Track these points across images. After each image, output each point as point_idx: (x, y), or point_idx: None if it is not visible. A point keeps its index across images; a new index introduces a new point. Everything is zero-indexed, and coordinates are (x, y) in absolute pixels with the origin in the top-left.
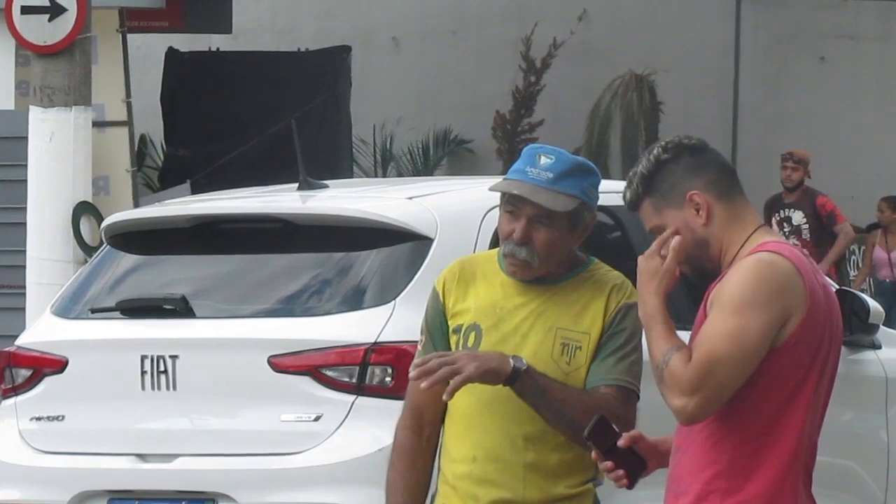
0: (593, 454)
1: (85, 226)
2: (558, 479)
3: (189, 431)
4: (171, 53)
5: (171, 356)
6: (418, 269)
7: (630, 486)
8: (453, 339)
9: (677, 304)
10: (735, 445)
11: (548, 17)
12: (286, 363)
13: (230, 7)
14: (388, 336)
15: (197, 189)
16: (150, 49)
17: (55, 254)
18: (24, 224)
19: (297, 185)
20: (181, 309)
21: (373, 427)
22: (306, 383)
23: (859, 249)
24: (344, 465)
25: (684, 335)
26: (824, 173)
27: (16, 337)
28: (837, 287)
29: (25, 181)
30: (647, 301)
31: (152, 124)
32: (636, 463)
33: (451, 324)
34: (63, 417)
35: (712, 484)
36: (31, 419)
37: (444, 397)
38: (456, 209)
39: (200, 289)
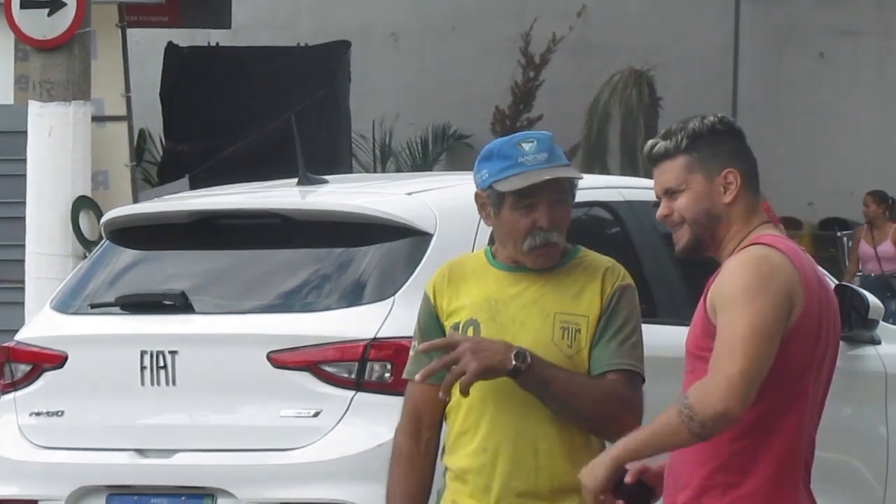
0: (602, 498)
1: (84, 220)
2: (569, 465)
3: (188, 427)
4: (171, 48)
5: (170, 351)
6: (418, 264)
7: None
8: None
9: (677, 301)
10: (733, 440)
11: (547, 12)
12: (285, 359)
13: (229, 2)
14: (388, 332)
15: (196, 184)
16: (150, 44)
17: (54, 248)
18: (23, 218)
19: (296, 180)
20: (180, 304)
21: (372, 423)
22: (305, 379)
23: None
24: (343, 460)
25: (683, 330)
26: (823, 169)
27: (15, 331)
28: (836, 283)
29: (24, 176)
30: (598, 473)
31: (151, 119)
32: (645, 495)
33: (448, 323)
34: (62, 413)
35: (712, 479)
36: (31, 414)
37: (441, 395)
38: (455, 204)
39: (200, 284)
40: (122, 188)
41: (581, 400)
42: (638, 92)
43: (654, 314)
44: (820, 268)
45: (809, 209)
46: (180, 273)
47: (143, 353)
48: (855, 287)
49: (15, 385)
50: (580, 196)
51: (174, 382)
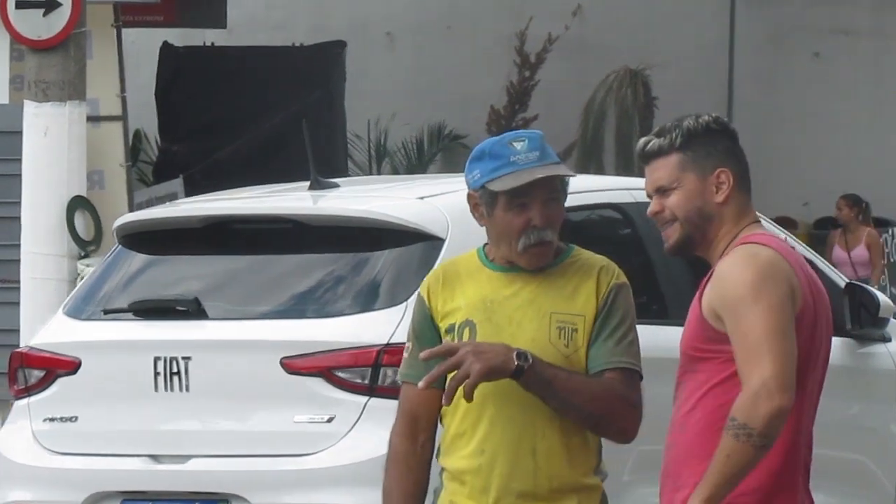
0: None
1: (79, 220)
2: (568, 464)
3: (202, 432)
4: (166, 48)
5: (183, 357)
6: (430, 269)
7: None
8: (447, 338)
9: (687, 301)
10: None
11: (542, 12)
12: (299, 364)
13: (224, 2)
14: (401, 337)
15: (190, 184)
16: (145, 44)
17: (49, 248)
18: (19, 218)
19: (307, 184)
20: (194, 310)
21: (385, 428)
22: (319, 385)
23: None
24: (357, 466)
25: (679, 331)
26: (818, 169)
27: (10, 331)
28: (847, 281)
29: (20, 176)
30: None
31: (147, 119)
32: None
33: (443, 325)
34: (76, 418)
35: None
36: (44, 420)
37: (444, 402)
38: (466, 208)
39: (213, 290)
40: (118, 188)
41: (581, 398)
42: (633, 91)
43: (664, 315)
44: (828, 265)
45: (805, 209)
46: (193, 278)
47: (156, 359)
48: (865, 285)
49: (28, 391)
50: (591, 198)
51: (188, 388)
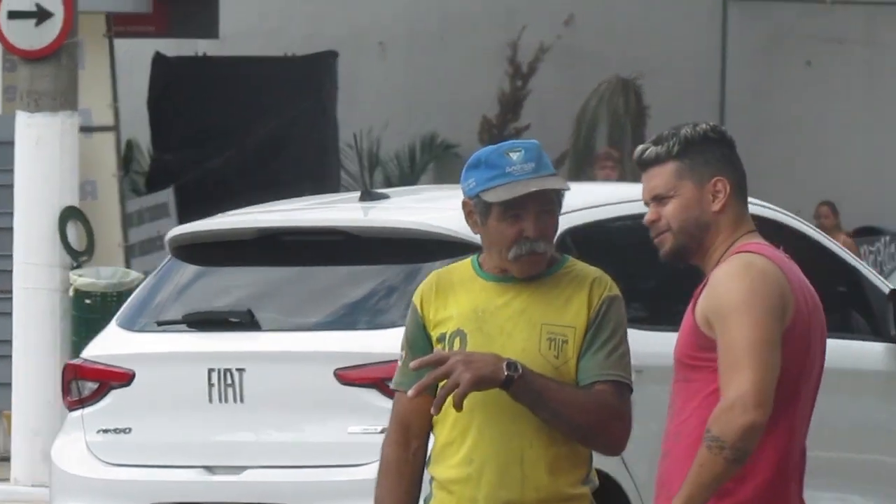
0: None
1: (71, 230)
2: (556, 474)
3: (256, 443)
4: (158, 58)
5: (237, 369)
6: None
7: None
8: (438, 347)
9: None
10: None
11: (534, 21)
12: (352, 376)
13: (217, 12)
14: None
15: (183, 193)
16: (137, 54)
17: (42, 258)
18: (11, 229)
19: (358, 195)
20: (247, 322)
21: None
22: (372, 396)
23: None
24: None
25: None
26: (811, 177)
27: (3, 342)
28: (892, 288)
29: (12, 186)
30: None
31: (139, 129)
32: None
33: (435, 334)
34: (130, 430)
35: None
36: (98, 431)
37: (433, 411)
38: None
39: (265, 301)
40: (110, 198)
41: (571, 409)
42: (625, 100)
43: None
44: (873, 272)
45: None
46: (245, 290)
47: (210, 371)
48: None
49: (82, 402)
50: (603, 213)
51: (242, 399)
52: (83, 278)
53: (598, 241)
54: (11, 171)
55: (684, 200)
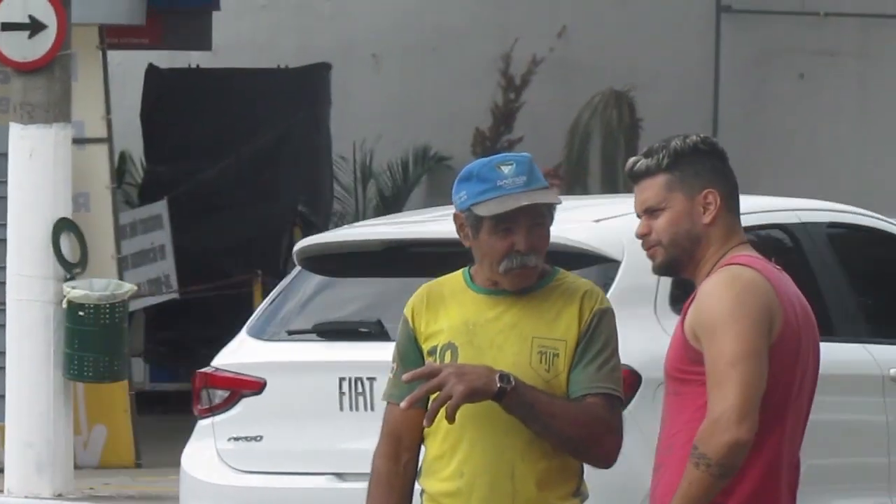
0: None
1: (65, 242)
2: (546, 488)
3: None
4: (151, 70)
5: (368, 378)
6: (606, 291)
7: None
8: (429, 360)
9: (853, 319)
10: None
11: (527, 33)
12: None
13: (210, 24)
14: None
15: (176, 205)
16: (130, 66)
17: (35, 270)
18: (4, 240)
19: None
20: (376, 332)
21: None
22: None
23: None
24: None
25: (859, 348)
26: (803, 189)
27: None
28: None
29: (5, 198)
30: None
31: (132, 141)
32: None
33: (426, 346)
34: (261, 437)
35: None
36: (229, 439)
37: (425, 423)
38: None
39: (393, 312)
40: (103, 210)
41: (563, 422)
42: (618, 113)
43: (830, 332)
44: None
45: None
46: (373, 301)
47: (341, 380)
48: None
49: (213, 410)
50: (758, 219)
51: (372, 408)
52: (76, 290)
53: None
54: (5, 182)
55: (675, 213)
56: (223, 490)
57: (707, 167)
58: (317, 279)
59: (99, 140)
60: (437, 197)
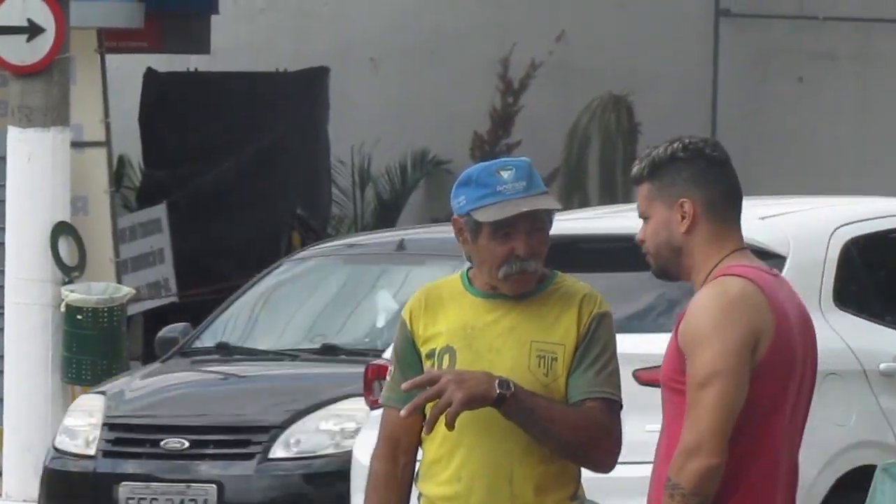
0: None
1: (63, 246)
2: (544, 493)
3: None
4: (149, 74)
5: None
6: None
7: None
8: (427, 363)
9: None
10: None
11: (526, 37)
12: (650, 376)
13: (208, 27)
14: None
15: (174, 209)
16: (129, 69)
17: (33, 273)
18: (3, 244)
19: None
20: None
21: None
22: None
23: None
24: None
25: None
26: (803, 192)
27: None
28: None
29: (3, 201)
30: None
31: (130, 145)
32: None
33: (424, 350)
34: None
35: None
36: None
37: (425, 431)
38: (806, 227)
39: None
40: (101, 214)
41: (562, 428)
42: (617, 117)
43: None
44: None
45: None
46: None
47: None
48: None
49: None
50: (884, 223)
51: None
52: (75, 294)
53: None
54: (3, 186)
55: (655, 223)
56: None
57: (684, 176)
58: None
59: (97, 144)
60: (436, 201)
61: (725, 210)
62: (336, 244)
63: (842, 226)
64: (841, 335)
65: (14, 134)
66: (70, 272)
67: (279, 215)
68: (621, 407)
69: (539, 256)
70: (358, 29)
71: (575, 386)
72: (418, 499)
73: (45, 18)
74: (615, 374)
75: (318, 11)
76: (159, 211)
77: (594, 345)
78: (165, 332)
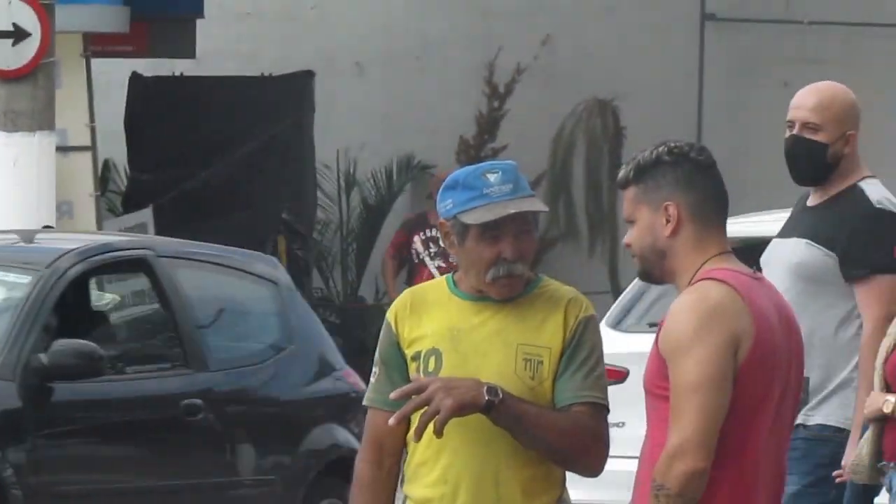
0: None
1: None
2: (530, 496)
3: None
4: (135, 78)
5: None
6: None
7: None
8: (412, 365)
9: None
10: None
11: (511, 42)
12: None
13: (194, 32)
14: None
15: (160, 213)
16: (114, 74)
17: None
18: None
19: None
20: None
21: None
22: None
23: None
24: None
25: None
26: (789, 197)
27: None
28: None
29: None
30: None
31: (116, 149)
32: None
33: (409, 352)
34: (623, 424)
35: None
36: None
37: (414, 439)
38: None
39: None
40: (87, 218)
41: (550, 434)
42: (602, 121)
43: None
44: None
45: None
46: None
47: None
48: None
49: None
50: None
51: None
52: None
53: None
54: None
55: (640, 227)
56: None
57: (669, 179)
58: None
59: (83, 148)
60: (422, 205)
61: (710, 214)
62: None
63: None
64: None
65: (0, 139)
66: None
67: (265, 220)
68: (609, 411)
69: (526, 259)
70: (343, 34)
71: (562, 390)
72: (403, 502)
73: (31, 23)
74: (602, 378)
75: (303, 16)
76: (145, 215)
77: (581, 349)
78: None
